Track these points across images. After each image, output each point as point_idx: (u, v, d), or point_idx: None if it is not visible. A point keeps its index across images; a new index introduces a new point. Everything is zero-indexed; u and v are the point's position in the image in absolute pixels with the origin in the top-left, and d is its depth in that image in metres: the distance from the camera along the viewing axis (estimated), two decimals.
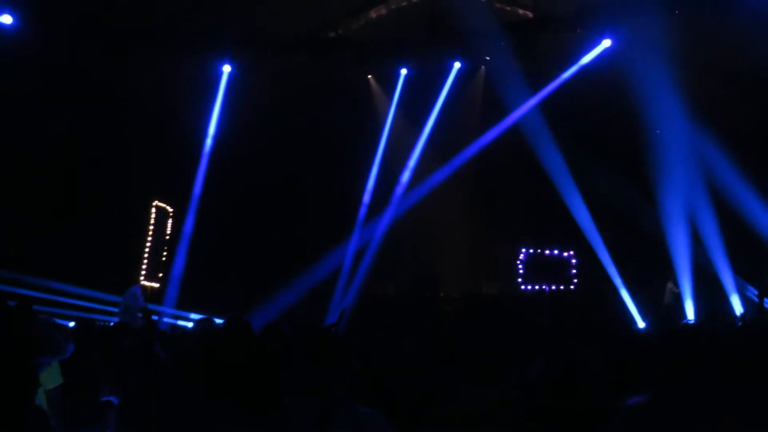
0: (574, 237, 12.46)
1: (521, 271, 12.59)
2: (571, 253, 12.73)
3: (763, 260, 12.17)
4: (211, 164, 12.94)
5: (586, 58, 12.57)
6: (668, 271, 12.00)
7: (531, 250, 12.70)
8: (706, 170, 11.87)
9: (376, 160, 13.55)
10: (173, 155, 12.72)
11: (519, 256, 12.61)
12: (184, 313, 11.98)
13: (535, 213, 13.18)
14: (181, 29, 12.45)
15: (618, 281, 12.45)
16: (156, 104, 12.61)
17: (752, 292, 12.29)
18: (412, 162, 13.48)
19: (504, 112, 12.84)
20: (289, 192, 13.23)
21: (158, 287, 12.24)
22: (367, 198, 13.34)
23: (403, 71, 13.45)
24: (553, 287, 12.53)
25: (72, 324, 11.11)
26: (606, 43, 12.33)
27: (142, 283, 11.83)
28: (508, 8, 12.95)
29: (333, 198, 13.16)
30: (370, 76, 14.01)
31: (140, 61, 12.60)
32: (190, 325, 12.76)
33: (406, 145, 13.57)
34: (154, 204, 12.04)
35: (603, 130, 12.40)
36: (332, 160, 13.29)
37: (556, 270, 12.60)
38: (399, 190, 13.35)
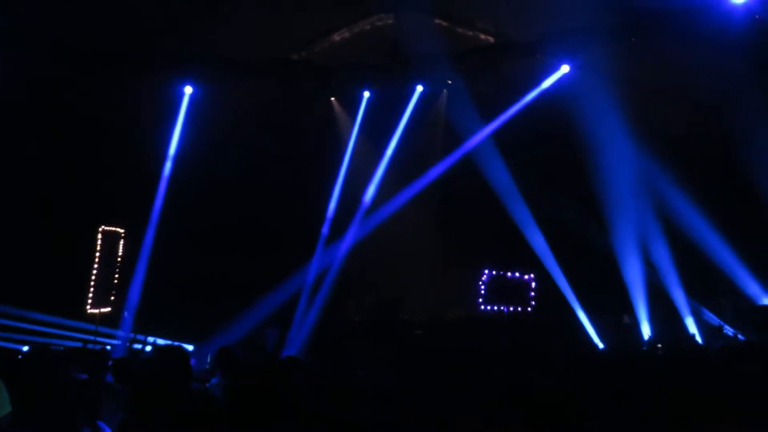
0: (535, 260, 12.64)
1: (483, 293, 12.75)
2: (532, 276, 12.93)
3: (715, 282, 12.50)
4: (170, 187, 12.78)
5: (546, 83, 12.81)
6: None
7: (493, 272, 12.88)
8: (657, 196, 12.20)
9: (338, 182, 13.54)
10: (130, 177, 12.54)
11: (482, 277, 12.77)
12: (141, 337, 11.79)
13: (498, 236, 13.31)
14: (141, 51, 12.31)
15: (576, 304, 12.69)
16: (112, 125, 12.44)
17: (707, 315, 12.62)
18: (375, 184, 13.51)
19: (465, 136, 13.00)
20: (250, 214, 13.09)
21: (110, 311, 11.98)
22: (329, 220, 13.31)
23: (366, 94, 13.52)
24: (512, 309, 12.72)
25: (26, 348, 10.88)
26: (565, 68, 12.58)
27: (90, 310, 11.60)
28: (471, 33, 13.10)
29: (295, 220, 13.07)
30: (333, 99, 14.01)
31: (96, 82, 12.42)
32: (148, 348, 12.59)
33: (369, 167, 13.61)
34: (100, 229, 11.84)
35: (557, 156, 12.61)
36: (295, 183, 13.24)
37: (516, 292, 12.78)
38: (361, 212, 13.35)
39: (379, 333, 12.23)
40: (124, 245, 12.36)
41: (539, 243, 12.78)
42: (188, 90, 12.81)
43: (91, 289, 11.58)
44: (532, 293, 12.88)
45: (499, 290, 12.76)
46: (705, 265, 12.03)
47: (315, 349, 11.68)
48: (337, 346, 11.73)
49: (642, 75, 12.43)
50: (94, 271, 11.65)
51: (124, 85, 12.12)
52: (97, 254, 11.63)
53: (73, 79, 11.94)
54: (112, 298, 12.21)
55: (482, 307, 12.74)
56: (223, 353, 5.85)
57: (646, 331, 12.11)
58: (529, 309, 12.75)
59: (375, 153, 13.63)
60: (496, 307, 12.75)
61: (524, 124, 12.87)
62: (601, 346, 12.17)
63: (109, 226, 12.15)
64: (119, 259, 12.38)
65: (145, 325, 11.53)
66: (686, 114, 13.09)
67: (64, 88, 11.90)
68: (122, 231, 12.53)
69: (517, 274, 12.96)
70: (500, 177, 12.77)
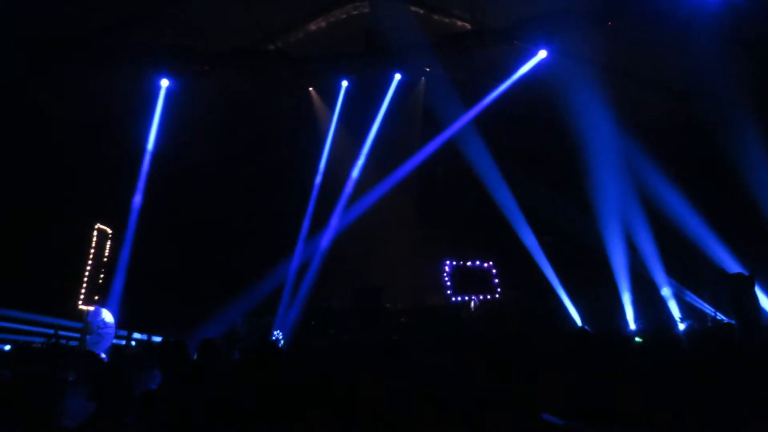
0: (513, 247, 12.68)
1: (449, 284, 12.84)
2: (491, 263, 13.05)
3: (697, 265, 12.54)
4: (150, 181, 12.76)
5: (523, 69, 12.74)
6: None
7: (455, 263, 12.96)
8: (638, 179, 12.20)
9: (318, 172, 13.53)
10: (111, 172, 12.52)
11: (444, 269, 12.86)
12: (123, 333, 11.88)
13: (477, 224, 13.34)
14: (115, 42, 12.21)
15: (560, 288, 12.75)
16: (92, 120, 12.40)
17: (690, 297, 12.68)
18: (355, 173, 13.50)
19: (444, 123, 12.96)
20: (230, 207, 13.09)
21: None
22: (310, 211, 13.32)
23: (344, 83, 13.46)
24: (480, 297, 12.83)
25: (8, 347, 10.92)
26: (542, 53, 12.51)
27: (80, 306, 11.64)
28: (447, 20, 13.00)
29: (276, 212, 13.09)
30: (311, 89, 13.94)
31: (74, 75, 12.34)
32: (133, 344, 12.69)
33: (349, 156, 13.59)
34: (96, 227, 11.84)
35: (539, 141, 12.59)
36: (275, 174, 13.24)
37: (480, 281, 12.88)
38: (342, 202, 13.36)
39: (362, 321, 12.29)
40: (110, 242, 12.37)
41: (522, 228, 12.81)
42: (164, 83, 12.73)
43: (84, 286, 11.60)
44: (496, 280, 12.96)
45: (464, 280, 12.85)
46: (687, 248, 12.07)
47: (301, 338, 11.78)
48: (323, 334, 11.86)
49: (619, 59, 12.40)
50: (88, 268, 11.66)
51: (96, 78, 12.01)
52: (92, 251, 11.63)
53: (43, 71, 11.84)
54: (96, 297, 12.25)
55: (453, 298, 12.81)
56: (170, 349, 5.80)
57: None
58: (497, 296, 12.82)
59: (354, 142, 13.59)
60: (466, 297, 12.82)
61: (504, 109, 12.85)
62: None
63: (102, 225, 12.15)
64: (105, 258, 12.42)
65: (129, 320, 11.64)
66: (665, 98, 13.09)
67: (31, 82, 11.81)
68: (110, 231, 12.54)
69: (477, 263, 13.04)
70: (481, 163, 12.77)
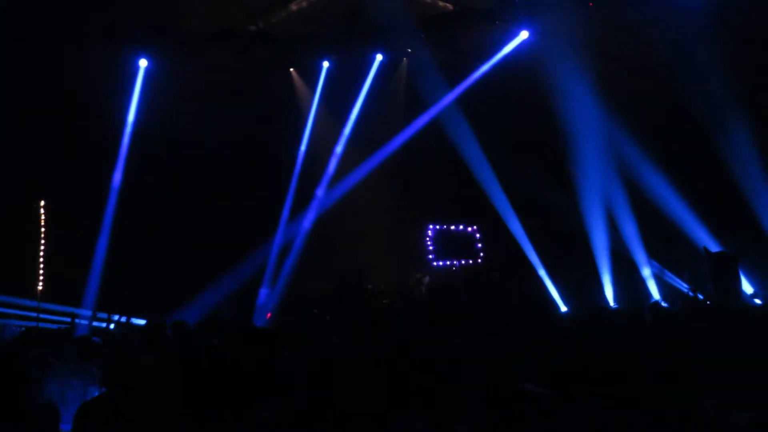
0: (495, 228, 12.70)
1: (431, 248, 12.79)
2: (475, 227, 13.00)
3: (677, 245, 12.62)
4: (129, 159, 12.64)
5: (506, 50, 12.74)
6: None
7: (437, 227, 12.93)
8: (620, 160, 12.24)
9: (300, 153, 13.45)
10: (89, 152, 12.38)
11: (427, 233, 12.81)
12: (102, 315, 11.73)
13: (460, 205, 13.34)
14: (92, 22, 12.05)
15: (542, 270, 12.77)
16: (68, 99, 12.23)
17: (669, 276, 12.77)
18: (337, 155, 13.44)
19: (426, 104, 12.94)
20: (212, 189, 12.99)
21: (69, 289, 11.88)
22: (291, 192, 13.25)
23: (326, 64, 13.38)
24: (462, 262, 12.81)
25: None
26: (524, 34, 12.52)
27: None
28: (428, 1, 12.96)
29: (257, 194, 13.00)
30: (292, 69, 13.85)
31: (52, 56, 12.17)
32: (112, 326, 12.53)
33: (331, 138, 13.52)
34: (41, 204, 11.63)
35: (521, 121, 12.59)
36: (256, 155, 13.15)
37: (462, 245, 12.85)
38: (324, 183, 13.30)
39: (346, 304, 12.24)
40: (80, 220, 12.19)
41: (506, 209, 12.83)
42: (143, 63, 12.58)
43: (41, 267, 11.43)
44: (479, 245, 12.94)
45: (446, 244, 12.81)
46: (667, 228, 12.14)
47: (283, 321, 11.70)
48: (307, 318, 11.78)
49: (601, 40, 12.41)
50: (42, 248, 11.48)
51: (73, 58, 11.85)
52: (42, 229, 11.45)
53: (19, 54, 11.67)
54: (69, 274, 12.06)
55: (434, 263, 12.80)
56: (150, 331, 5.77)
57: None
58: (479, 261, 12.80)
59: (336, 123, 13.53)
60: (447, 262, 12.80)
61: (486, 90, 12.84)
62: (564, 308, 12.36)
63: (56, 201, 11.91)
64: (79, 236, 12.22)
65: (106, 302, 11.50)
66: (647, 79, 13.12)
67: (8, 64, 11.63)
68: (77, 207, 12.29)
69: (461, 227, 13.00)
70: (464, 144, 12.74)
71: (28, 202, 11.58)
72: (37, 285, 11.54)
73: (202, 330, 7.05)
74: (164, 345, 5.69)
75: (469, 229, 12.95)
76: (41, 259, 11.49)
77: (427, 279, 12.61)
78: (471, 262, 12.85)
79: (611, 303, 12.29)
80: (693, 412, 2.79)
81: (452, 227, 12.94)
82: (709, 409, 2.80)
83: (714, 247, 11.46)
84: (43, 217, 11.56)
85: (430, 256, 12.79)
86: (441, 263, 12.86)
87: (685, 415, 2.79)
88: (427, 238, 12.83)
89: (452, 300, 11.08)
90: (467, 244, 12.82)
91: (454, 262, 12.77)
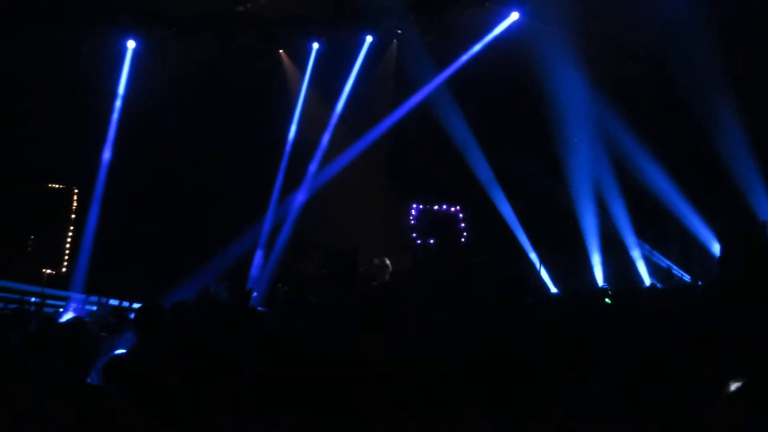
0: (484, 210, 12.74)
1: (414, 225, 12.91)
2: (458, 207, 13.09)
3: (666, 226, 12.68)
4: (118, 143, 12.61)
5: (495, 31, 12.69)
6: None
7: (421, 206, 13.02)
8: (610, 143, 12.25)
9: (289, 135, 13.44)
10: (77, 136, 12.34)
11: (411, 212, 12.91)
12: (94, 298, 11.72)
13: (450, 187, 13.36)
14: (78, 3, 11.98)
15: (531, 252, 12.82)
16: (57, 82, 12.19)
17: (658, 258, 12.84)
18: (327, 137, 13.43)
19: (416, 86, 12.92)
20: (201, 171, 12.97)
21: (63, 272, 11.90)
22: (281, 175, 13.24)
23: (315, 46, 13.32)
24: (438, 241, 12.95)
25: None
26: (514, 15, 12.46)
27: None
28: None
29: (246, 176, 12.98)
30: (281, 51, 13.79)
31: (38, 37, 12.10)
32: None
33: (321, 120, 13.50)
34: (48, 187, 11.66)
35: (510, 103, 12.59)
36: (245, 138, 13.13)
37: (445, 225, 12.96)
38: (314, 165, 13.30)
39: (337, 286, 12.26)
40: (76, 203, 12.20)
41: (495, 191, 12.86)
42: (131, 44, 12.52)
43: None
44: (462, 224, 13.03)
45: (428, 223, 12.92)
46: (656, 210, 12.18)
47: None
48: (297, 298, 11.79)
49: (592, 23, 12.36)
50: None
51: (61, 41, 11.78)
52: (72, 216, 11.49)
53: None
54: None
55: (417, 241, 12.89)
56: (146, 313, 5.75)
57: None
58: (462, 240, 12.89)
59: (326, 105, 13.50)
60: (430, 240, 12.91)
61: (476, 72, 12.81)
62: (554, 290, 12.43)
63: (57, 184, 11.96)
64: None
65: (97, 285, 11.49)
66: (637, 62, 13.10)
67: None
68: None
69: (444, 207, 13.10)
70: (454, 126, 12.74)
71: (18, 186, 11.58)
72: (61, 270, 11.55)
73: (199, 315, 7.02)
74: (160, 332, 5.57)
75: (453, 209, 13.01)
76: (67, 245, 11.50)
77: (387, 262, 12.67)
78: (452, 241, 12.97)
79: (601, 284, 12.37)
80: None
81: (435, 207, 13.01)
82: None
83: (702, 230, 11.56)
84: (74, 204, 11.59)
85: (413, 234, 12.86)
86: (420, 242, 12.97)
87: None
88: (411, 217, 12.89)
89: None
90: (450, 223, 12.90)
91: (430, 241, 12.89)
